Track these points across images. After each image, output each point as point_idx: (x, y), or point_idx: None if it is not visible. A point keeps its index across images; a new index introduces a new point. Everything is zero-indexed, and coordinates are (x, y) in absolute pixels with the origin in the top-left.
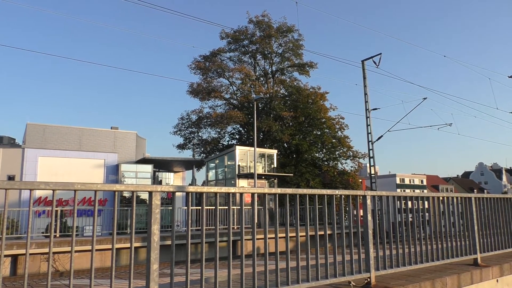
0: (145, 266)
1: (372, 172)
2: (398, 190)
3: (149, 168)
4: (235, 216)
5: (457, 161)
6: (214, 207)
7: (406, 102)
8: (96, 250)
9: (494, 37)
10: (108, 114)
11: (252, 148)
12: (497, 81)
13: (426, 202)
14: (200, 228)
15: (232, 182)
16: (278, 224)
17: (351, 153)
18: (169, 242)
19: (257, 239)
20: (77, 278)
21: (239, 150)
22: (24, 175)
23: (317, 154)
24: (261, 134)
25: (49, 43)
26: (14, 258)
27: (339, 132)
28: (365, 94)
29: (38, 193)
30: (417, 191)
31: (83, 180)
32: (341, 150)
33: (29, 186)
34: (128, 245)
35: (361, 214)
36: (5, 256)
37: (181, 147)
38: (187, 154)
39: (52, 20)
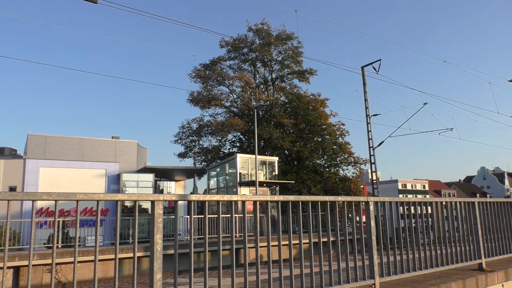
0: (148, 276)
1: (374, 178)
2: (400, 195)
3: (150, 177)
4: (238, 224)
5: (459, 165)
6: (216, 216)
7: (407, 108)
8: (99, 260)
9: (493, 42)
10: (109, 124)
11: (253, 156)
12: (497, 85)
13: (429, 208)
14: (202, 236)
15: (234, 190)
16: (281, 232)
17: (352, 159)
18: (171, 251)
19: (260, 247)
20: None
21: (240, 158)
22: (26, 186)
23: (318, 161)
24: (262, 141)
25: (49, 54)
26: (16, 270)
27: (340, 138)
28: (365, 100)
29: (39, 204)
30: (419, 196)
31: (84, 190)
32: (342, 157)
33: (32, 197)
34: (130, 255)
35: (364, 220)
36: (7, 267)
37: (182, 155)
38: (188, 162)
39: (52, 31)
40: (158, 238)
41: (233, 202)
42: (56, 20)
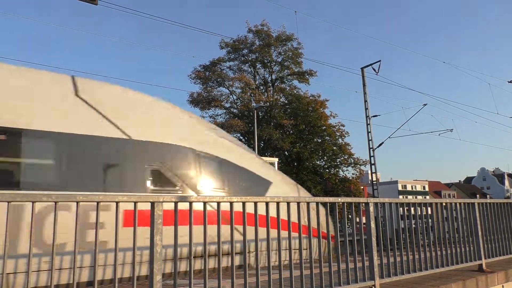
0: (148, 277)
1: (374, 179)
2: (400, 196)
3: None
4: None
5: (459, 166)
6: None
7: (407, 109)
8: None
9: (493, 43)
10: None
11: None
12: (497, 86)
13: (429, 209)
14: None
15: None
16: (280, 233)
17: (352, 160)
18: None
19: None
20: None
21: None
22: None
23: (318, 162)
24: (262, 142)
25: (47, 55)
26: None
27: (340, 139)
28: (365, 101)
29: None
30: (419, 197)
31: None
32: (342, 158)
33: (31, 198)
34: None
35: (364, 221)
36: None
37: None
38: None
39: (50, 31)
40: (158, 239)
41: (233, 203)
42: (54, 20)
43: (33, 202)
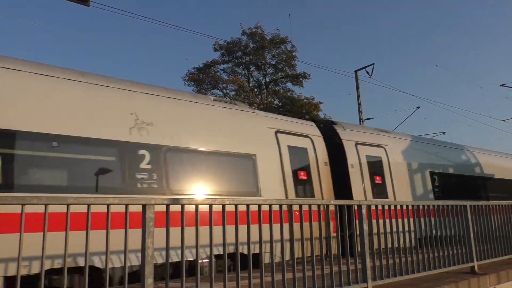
0: (140, 280)
1: None
2: None
3: None
4: None
5: None
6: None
7: (400, 112)
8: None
9: (485, 46)
10: None
11: None
12: (489, 90)
13: (422, 210)
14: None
15: None
16: (273, 236)
17: None
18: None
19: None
20: None
21: None
22: None
23: None
24: None
25: (43, 56)
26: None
27: None
28: (359, 104)
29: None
30: None
31: None
32: None
33: (21, 201)
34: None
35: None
36: None
37: None
38: None
39: (43, 32)
40: (150, 242)
41: (226, 206)
42: (47, 21)
43: (22, 205)
